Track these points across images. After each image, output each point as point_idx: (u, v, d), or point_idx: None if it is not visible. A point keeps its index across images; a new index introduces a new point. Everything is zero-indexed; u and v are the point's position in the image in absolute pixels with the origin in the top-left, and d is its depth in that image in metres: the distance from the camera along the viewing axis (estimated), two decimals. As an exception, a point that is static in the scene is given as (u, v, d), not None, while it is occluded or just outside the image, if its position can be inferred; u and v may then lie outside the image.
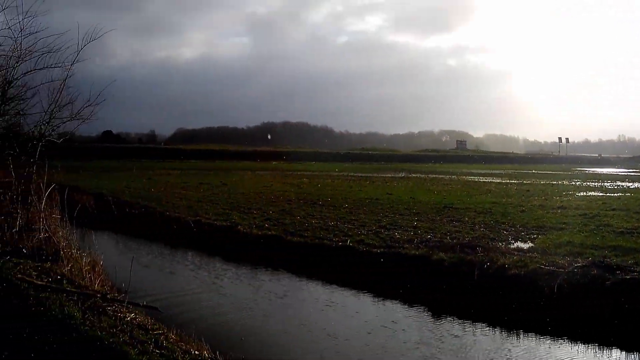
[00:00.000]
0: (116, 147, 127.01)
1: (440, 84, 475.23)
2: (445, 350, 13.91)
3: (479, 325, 15.83)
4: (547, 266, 17.73)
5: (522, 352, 13.91)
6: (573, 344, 14.48)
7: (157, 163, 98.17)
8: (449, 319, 16.31)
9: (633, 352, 13.94)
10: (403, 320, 16.39)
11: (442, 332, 15.23)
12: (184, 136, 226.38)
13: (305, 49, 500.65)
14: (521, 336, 15.07)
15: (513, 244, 22.42)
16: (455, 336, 14.98)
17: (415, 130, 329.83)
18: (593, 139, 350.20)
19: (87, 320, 11.38)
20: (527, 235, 24.24)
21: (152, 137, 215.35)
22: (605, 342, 14.38)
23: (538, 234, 24.21)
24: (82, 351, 9.47)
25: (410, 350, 13.90)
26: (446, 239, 22.79)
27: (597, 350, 14.12)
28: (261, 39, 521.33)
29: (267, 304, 17.98)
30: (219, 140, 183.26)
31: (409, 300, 18.00)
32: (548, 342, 14.68)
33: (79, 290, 14.07)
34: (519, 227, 26.10)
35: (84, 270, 17.08)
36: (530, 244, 22.19)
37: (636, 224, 26.49)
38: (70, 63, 18.80)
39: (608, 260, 18.10)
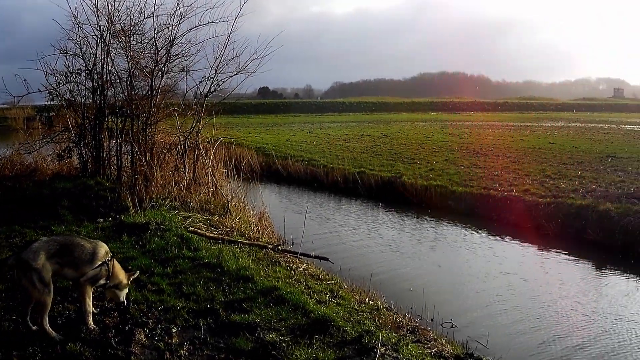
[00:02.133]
0: (274, 102, 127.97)
1: (597, 29, 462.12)
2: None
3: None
4: None
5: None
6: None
7: (315, 117, 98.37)
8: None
9: None
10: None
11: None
12: (341, 90, 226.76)
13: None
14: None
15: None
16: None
17: (572, 78, 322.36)
18: None
19: (262, 271, 11.53)
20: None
21: (308, 91, 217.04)
22: None
23: None
24: (260, 300, 9.52)
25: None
26: (611, 188, 22.08)
27: None
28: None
29: (439, 255, 17.83)
30: (376, 92, 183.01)
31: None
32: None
33: (250, 242, 14.25)
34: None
35: (251, 222, 17.37)
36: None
37: None
38: (234, 17, 18.89)
39: None
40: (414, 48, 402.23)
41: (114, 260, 8.58)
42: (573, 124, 69.87)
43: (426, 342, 9.36)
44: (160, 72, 18.92)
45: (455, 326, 11.70)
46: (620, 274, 15.75)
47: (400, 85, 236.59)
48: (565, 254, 17.54)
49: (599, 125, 67.11)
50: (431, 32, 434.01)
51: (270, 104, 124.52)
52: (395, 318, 10.58)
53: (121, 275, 8.67)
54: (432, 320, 11.84)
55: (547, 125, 69.30)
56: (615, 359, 10.57)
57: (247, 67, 19.06)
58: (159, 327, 8.54)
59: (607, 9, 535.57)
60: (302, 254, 13.94)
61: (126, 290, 8.85)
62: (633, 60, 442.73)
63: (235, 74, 19.33)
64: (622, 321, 12.32)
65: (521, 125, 67.23)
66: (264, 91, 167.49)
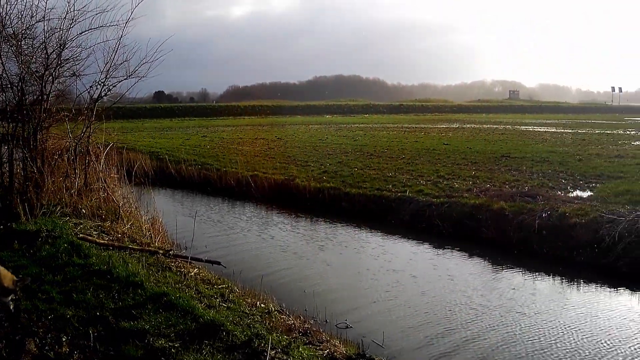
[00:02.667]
0: (169, 107, 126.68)
1: (493, 33, 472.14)
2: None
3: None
4: (608, 214, 17.53)
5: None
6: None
7: (210, 121, 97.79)
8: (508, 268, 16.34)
9: None
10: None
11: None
12: (236, 94, 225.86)
13: (354, 1, 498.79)
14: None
15: (572, 192, 22.54)
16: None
17: (468, 81, 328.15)
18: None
19: (152, 277, 11.52)
20: (586, 184, 24.33)
21: (204, 95, 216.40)
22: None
23: (596, 183, 24.18)
24: (150, 307, 9.54)
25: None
26: (505, 187, 22.77)
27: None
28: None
29: (329, 255, 18.03)
30: (271, 96, 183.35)
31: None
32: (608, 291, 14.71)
33: (141, 248, 14.22)
34: (577, 175, 26.13)
35: (143, 228, 17.31)
36: (590, 193, 22.24)
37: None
38: (124, 21, 18.79)
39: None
40: (311, 52, 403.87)
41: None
42: (468, 125, 71.15)
43: (318, 343, 9.51)
44: (51, 77, 18.65)
45: (350, 326, 11.88)
46: (511, 270, 16.27)
47: (296, 89, 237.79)
48: (458, 252, 18.02)
49: (494, 126, 68.55)
50: (328, 35, 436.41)
51: (165, 108, 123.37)
52: (287, 321, 10.68)
53: (6, 280, 8.58)
54: (326, 321, 12.02)
55: (442, 127, 70.36)
56: (504, 349, 10.91)
57: (138, 72, 18.99)
58: (49, 336, 8.41)
59: (500, 13, 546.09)
60: (192, 259, 13.94)
61: (12, 296, 8.74)
62: (527, 62, 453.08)
63: (126, 79, 19.22)
64: (510, 313, 12.76)
65: (416, 127, 68.10)
66: (159, 95, 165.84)
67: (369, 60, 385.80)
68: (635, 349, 10.95)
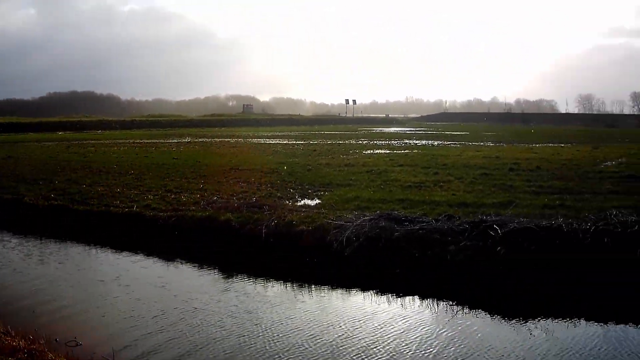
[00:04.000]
0: None
1: (226, 49, 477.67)
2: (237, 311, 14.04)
3: (271, 281, 16.16)
4: (335, 221, 18.17)
5: (315, 304, 14.23)
6: (364, 293, 15.02)
7: None
8: (239, 277, 16.47)
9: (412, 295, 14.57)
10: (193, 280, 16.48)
11: (232, 291, 15.38)
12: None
13: (91, 18, 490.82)
14: (313, 289, 15.45)
15: (300, 201, 23.21)
16: (245, 294, 15.13)
17: (202, 96, 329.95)
18: (380, 100, 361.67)
19: None
20: (314, 192, 25.07)
21: None
22: (393, 289, 15.01)
23: (325, 191, 24.98)
24: None
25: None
26: (233, 199, 22.95)
27: (389, 298, 14.65)
28: (47, 10, 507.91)
29: (59, 273, 17.56)
30: (4, 113, 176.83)
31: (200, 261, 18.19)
32: (340, 292, 15.17)
33: None
34: (306, 185, 26.92)
35: None
36: (318, 201, 22.93)
37: (423, 178, 28.11)
38: None
39: (396, 212, 18.83)
40: (45, 68, 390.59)
41: None
42: (200, 140, 70.96)
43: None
44: None
45: (80, 344, 11.66)
46: (241, 279, 16.40)
47: (30, 105, 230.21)
48: (187, 265, 18.14)
49: (227, 140, 68.77)
50: (63, 52, 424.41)
51: None
52: (12, 342, 10.34)
53: None
54: (56, 340, 11.72)
55: (173, 141, 69.75)
56: (234, 353, 11.03)
57: None
58: None
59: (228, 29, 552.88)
60: None
61: None
62: (259, 78, 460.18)
63: None
64: (236, 319, 13.00)
65: (147, 143, 67.12)
66: None
67: (104, 76, 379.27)
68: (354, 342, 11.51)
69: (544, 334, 12.35)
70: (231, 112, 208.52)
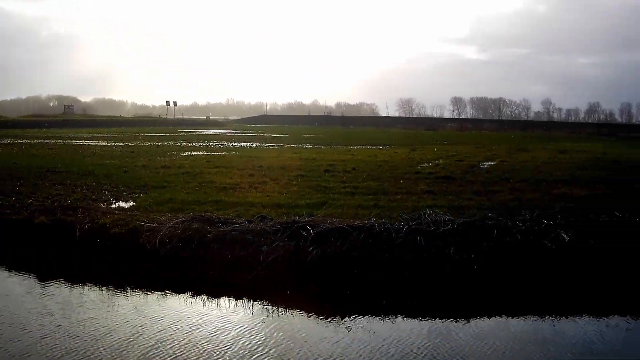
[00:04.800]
0: None
1: (47, 49, 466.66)
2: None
3: (86, 284, 15.61)
4: (149, 223, 17.98)
5: (131, 309, 13.88)
6: (178, 295, 14.77)
7: None
8: (52, 281, 15.89)
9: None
10: None
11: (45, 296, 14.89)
12: None
13: None
14: (129, 292, 15.08)
15: (115, 203, 22.79)
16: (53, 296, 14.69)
17: (23, 96, 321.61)
18: (201, 102, 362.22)
19: None
20: (129, 194, 24.72)
21: None
22: (207, 291, 14.90)
23: (141, 193, 24.68)
24: None
25: None
26: (48, 202, 22.22)
27: (204, 299, 14.50)
28: None
29: None
30: None
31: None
32: (156, 295, 14.85)
33: None
34: (122, 187, 26.42)
35: None
36: (132, 203, 22.65)
37: (238, 180, 28.15)
38: None
39: (209, 214, 18.87)
40: None
41: None
42: (19, 141, 68.91)
43: None
44: None
45: None
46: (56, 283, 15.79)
47: None
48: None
49: (46, 141, 66.80)
50: None
51: None
52: None
53: None
54: None
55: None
56: None
57: None
58: None
59: (56, 28, 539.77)
60: None
61: None
62: (84, 78, 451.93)
63: None
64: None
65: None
66: None
67: None
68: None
69: (363, 330, 12.49)
70: (52, 112, 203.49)
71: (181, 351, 11.18)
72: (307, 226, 16.48)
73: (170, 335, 12.02)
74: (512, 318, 13.57)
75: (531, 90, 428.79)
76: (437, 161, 41.68)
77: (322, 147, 59.25)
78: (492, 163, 42.14)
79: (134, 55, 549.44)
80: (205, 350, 11.24)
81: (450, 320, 13.12)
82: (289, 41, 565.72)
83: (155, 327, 12.47)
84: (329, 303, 14.44)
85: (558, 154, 52.58)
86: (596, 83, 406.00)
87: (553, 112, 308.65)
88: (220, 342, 11.66)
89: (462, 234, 16.65)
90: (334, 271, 15.39)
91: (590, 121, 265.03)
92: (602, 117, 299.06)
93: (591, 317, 13.55)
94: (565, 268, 15.77)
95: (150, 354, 11.03)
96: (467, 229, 16.94)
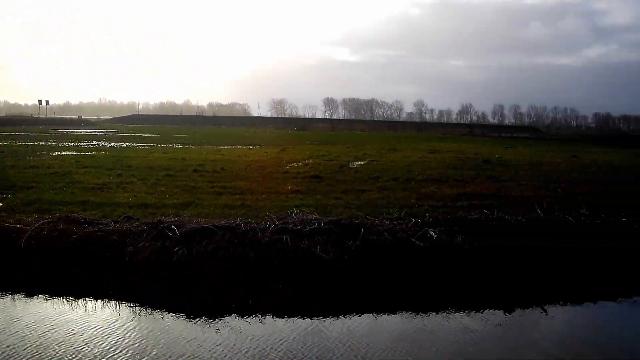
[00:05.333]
0: None
1: None
2: None
3: None
4: (15, 224, 17.81)
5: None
6: (42, 297, 14.62)
7: None
8: None
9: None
10: None
11: None
12: None
13: None
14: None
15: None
16: None
17: None
18: (74, 101, 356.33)
19: None
20: (-4, 196, 23.97)
21: None
22: (74, 292, 14.81)
23: (8, 194, 24.08)
24: None
25: None
26: None
27: (70, 300, 14.35)
28: None
29: None
30: None
31: None
32: (17, 296, 14.64)
33: None
34: (-9, 188, 25.64)
35: None
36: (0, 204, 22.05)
37: (106, 180, 28.04)
38: None
39: (75, 215, 18.73)
40: None
41: None
42: None
43: None
44: None
45: None
46: None
47: None
48: None
49: None
50: None
51: None
52: None
53: None
54: None
55: None
56: None
57: None
58: None
59: None
60: None
61: None
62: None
63: None
64: None
65: None
66: None
67: None
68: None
69: (231, 330, 12.57)
70: None
71: (33, 354, 11.06)
72: (173, 226, 16.63)
73: (25, 337, 11.91)
74: (382, 315, 13.73)
75: (404, 91, 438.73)
76: (306, 161, 42.06)
77: (193, 147, 58.89)
78: (362, 163, 42.86)
79: (5, 52, 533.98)
80: (58, 352, 11.14)
81: (320, 318, 13.32)
82: (163, 40, 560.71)
83: (11, 328, 12.38)
84: (197, 303, 14.35)
85: (428, 154, 53.83)
86: (469, 85, 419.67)
87: (425, 113, 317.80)
88: (75, 343, 11.57)
89: (328, 232, 17.02)
90: (201, 271, 15.50)
91: (463, 122, 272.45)
92: (474, 118, 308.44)
93: (462, 312, 13.94)
94: (433, 265, 16.33)
95: (5, 355, 10.96)
96: (334, 227, 17.32)
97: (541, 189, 28.62)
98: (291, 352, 11.51)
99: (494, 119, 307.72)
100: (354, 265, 15.98)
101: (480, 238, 17.35)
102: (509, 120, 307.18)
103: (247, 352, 11.47)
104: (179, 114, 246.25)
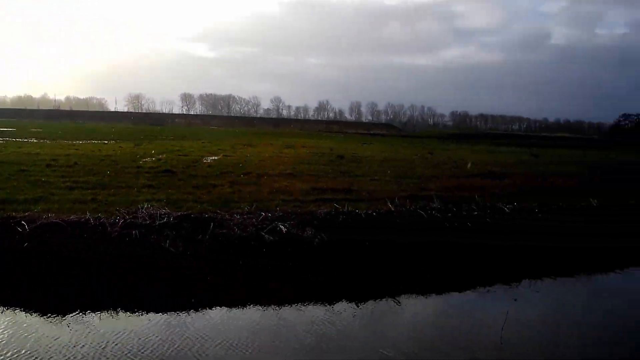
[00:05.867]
0: None
1: None
2: None
3: None
4: None
5: None
6: None
7: None
8: None
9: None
10: None
11: None
12: None
13: None
14: None
15: None
16: None
17: None
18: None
19: None
20: None
21: None
22: None
23: None
24: None
25: None
26: None
27: None
28: None
29: None
30: None
31: None
32: None
33: None
34: None
35: None
36: None
37: None
38: None
39: None
40: None
41: None
42: None
43: None
44: None
45: None
46: None
47: None
48: None
49: None
50: None
51: None
52: None
53: None
54: None
55: None
56: None
57: None
58: None
59: None
60: None
61: None
62: None
63: None
64: None
65: None
66: None
67: None
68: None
69: (85, 326, 12.49)
70: None
71: None
72: (23, 222, 16.66)
73: None
74: (241, 309, 13.91)
75: (261, 88, 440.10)
76: (160, 156, 42.23)
77: (47, 141, 57.73)
78: (216, 158, 43.38)
79: None
80: None
81: (175, 313, 13.43)
82: (19, 30, 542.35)
83: None
84: (50, 299, 14.11)
85: (284, 149, 55.00)
86: (326, 83, 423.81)
87: (282, 109, 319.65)
88: None
89: (177, 227, 17.38)
90: (51, 267, 15.34)
91: (320, 119, 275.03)
92: (331, 115, 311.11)
93: (317, 305, 14.38)
94: (284, 259, 16.68)
95: None
96: (183, 222, 17.72)
97: (394, 184, 29.77)
98: (151, 346, 11.66)
99: (351, 116, 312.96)
100: (204, 259, 16.23)
101: (331, 232, 17.93)
102: (366, 117, 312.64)
103: (101, 348, 11.45)
104: (36, 107, 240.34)
